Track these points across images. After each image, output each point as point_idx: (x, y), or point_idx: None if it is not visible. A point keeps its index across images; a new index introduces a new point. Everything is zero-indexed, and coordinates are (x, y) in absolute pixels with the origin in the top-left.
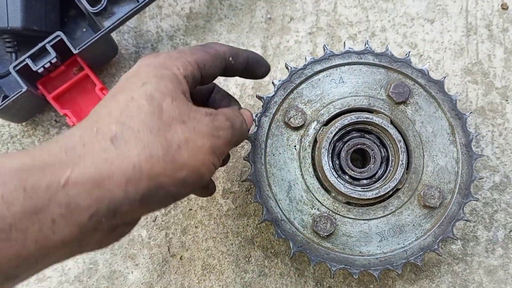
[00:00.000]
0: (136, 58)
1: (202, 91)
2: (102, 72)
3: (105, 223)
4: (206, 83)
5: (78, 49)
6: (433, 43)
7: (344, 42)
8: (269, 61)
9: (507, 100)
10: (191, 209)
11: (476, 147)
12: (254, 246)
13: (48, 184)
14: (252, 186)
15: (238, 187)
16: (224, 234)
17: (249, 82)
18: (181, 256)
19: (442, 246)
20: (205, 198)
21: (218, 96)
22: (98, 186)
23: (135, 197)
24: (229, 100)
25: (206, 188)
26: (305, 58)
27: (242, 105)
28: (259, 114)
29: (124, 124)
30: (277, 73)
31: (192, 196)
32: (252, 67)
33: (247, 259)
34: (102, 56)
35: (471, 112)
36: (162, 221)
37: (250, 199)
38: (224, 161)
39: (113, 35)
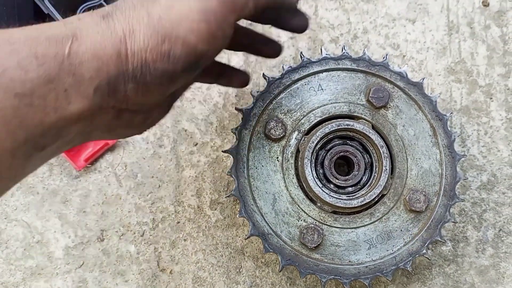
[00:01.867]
0: None
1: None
2: None
3: (110, 102)
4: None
5: None
6: (416, 43)
7: (321, 48)
8: (251, 68)
9: (491, 98)
10: (179, 222)
11: (462, 147)
12: (244, 256)
13: (55, 54)
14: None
15: (226, 197)
16: (213, 245)
17: (232, 90)
18: (171, 270)
19: (433, 249)
20: (192, 210)
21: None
22: (96, 58)
23: (126, 73)
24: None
25: (212, 72)
26: (282, 66)
27: (225, 115)
28: (239, 127)
29: (116, 5)
30: (260, 80)
31: (179, 208)
32: (286, 13)
33: (237, 270)
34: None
35: (451, 113)
36: (150, 235)
37: (238, 210)
38: (240, 80)
39: None
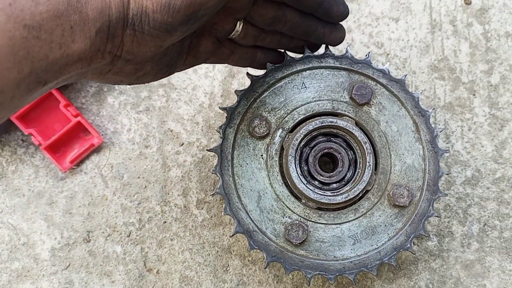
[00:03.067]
0: None
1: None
2: (67, 88)
3: (108, 47)
4: None
5: None
6: (399, 42)
7: (304, 47)
8: (236, 68)
9: (474, 95)
10: (165, 222)
11: (447, 143)
12: (231, 255)
13: None
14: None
15: (212, 196)
16: (200, 245)
17: (217, 90)
18: (158, 270)
19: (418, 244)
20: (179, 210)
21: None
22: None
23: (126, 19)
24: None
25: (219, 44)
26: (266, 65)
27: (211, 114)
28: (223, 126)
29: None
30: (246, 80)
31: (166, 208)
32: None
33: (225, 269)
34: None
35: (434, 109)
36: (137, 235)
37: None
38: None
39: None
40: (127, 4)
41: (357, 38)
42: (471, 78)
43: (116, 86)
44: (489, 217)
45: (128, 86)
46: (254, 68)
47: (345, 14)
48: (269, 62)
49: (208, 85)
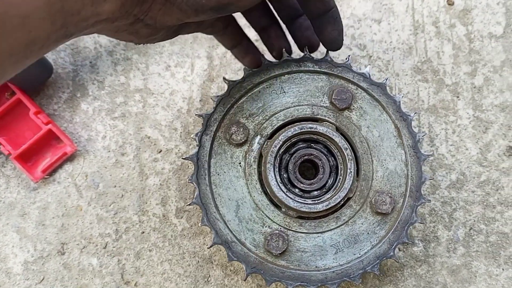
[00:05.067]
0: (74, 76)
1: (290, 6)
2: (39, 94)
3: (135, 10)
4: None
5: None
6: (382, 43)
7: (283, 51)
8: (215, 72)
9: (458, 97)
10: (143, 232)
11: (431, 146)
12: (212, 265)
13: None
14: None
15: (187, 206)
16: (180, 255)
17: (196, 95)
18: (136, 283)
19: (404, 250)
20: (157, 219)
21: (306, 24)
22: None
23: None
24: (313, 33)
25: (233, 34)
26: (243, 69)
27: (190, 120)
28: (199, 133)
29: None
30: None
31: (144, 218)
32: (328, 21)
33: (206, 280)
34: (35, 77)
35: (416, 113)
36: (113, 247)
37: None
38: (252, 59)
39: (48, 54)
40: None
41: None
42: (455, 80)
43: (90, 92)
44: (474, 221)
45: (103, 92)
46: (235, 54)
47: (336, 42)
48: (247, 62)
49: (186, 90)
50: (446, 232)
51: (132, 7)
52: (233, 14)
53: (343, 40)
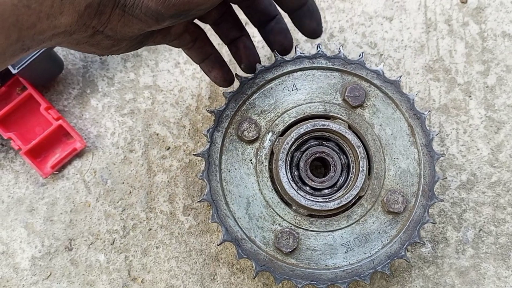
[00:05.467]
0: (84, 73)
1: (261, 11)
2: (49, 90)
3: (93, 22)
4: None
5: (17, 68)
6: (393, 42)
7: (296, 47)
8: None
9: (470, 96)
10: (150, 229)
11: (442, 146)
12: (219, 263)
13: None
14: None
15: (198, 202)
16: (187, 252)
17: (205, 92)
18: (143, 279)
19: (412, 250)
20: (164, 216)
21: (277, 28)
22: None
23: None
24: (285, 36)
25: (202, 50)
26: (256, 66)
27: (198, 117)
28: (211, 130)
29: None
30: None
31: (151, 215)
32: (304, 15)
33: (212, 277)
34: (46, 73)
35: (429, 111)
36: (121, 243)
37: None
38: (220, 75)
39: (58, 50)
40: None
41: (349, 38)
42: (467, 79)
43: (100, 88)
44: (484, 222)
45: (112, 88)
46: (203, 69)
47: (315, 31)
48: (213, 76)
49: (195, 87)
50: (455, 233)
51: (90, 19)
52: (202, 26)
53: (322, 28)
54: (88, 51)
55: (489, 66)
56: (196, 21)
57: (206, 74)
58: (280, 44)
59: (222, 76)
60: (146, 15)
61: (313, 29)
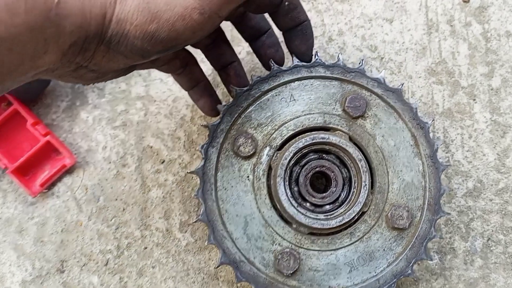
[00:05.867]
0: (73, 84)
1: (252, 27)
2: (36, 103)
3: (77, 58)
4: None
5: None
6: (394, 44)
7: (292, 56)
8: (219, 79)
9: (474, 100)
10: (146, 248)
11: (446, 152)
12: (218, 281)
13: (45, 0)
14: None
15: (193, 223)
16: (184, 271)
17: None
18: None
19: (419, 263)
20: (160, 234)
21: (268, 42)
22: (82, 13)
23: (103, 36)
24: (276, 50)
25: (181, 67)
26: (251, 77)
27: (193, 128)
28: (205, 145)
29: None
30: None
31: (146, 232)
32: (296, 35)
33: None
34: (33, 86)
35: (433, 120)
36: (115, 264)
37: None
38: (207, 104)
39: None
40: (108, 23)
41: (349, 41)
42: (471, 82)
43: (90, 100)
44: (493, 231)
45: (103, 100)
46: (191, 96)
47: (305, 54)
48: (201, 105)
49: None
50: (463, 243)
51: (74, 56)
52: (192, 52)
53: (312, 55)
54: (71, 82)
55: (494, 68)
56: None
57: (194, 102)
58: (271, 58)
59: (211, 105)
60: (132, 52)
61: (301, 52)
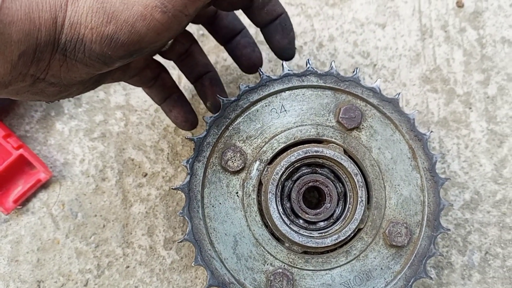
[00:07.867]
0: None
1: (225, 27)
2: (9, 114)
3: (31, 70)
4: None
5: None
6: (387, 50)
7: (282, 63)
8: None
9: (470, 108)
10: (128, 267)
11: (442, 163)
12: None
13: None
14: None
15: (182, 234)
16: None
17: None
18: None
19: None
20: (143, 252)
21: (244, 41)
22: (29, 19)
23: (56, 44)
24: (253, 50)
25: (151, 77)
26: (239, 86)
27: (177, 139)
28: (190, 160)
29: None
30: None
31: (128, 250)
32: (275, 30)
33: None
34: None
35: (431, 131)
36: (95, 284)
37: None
38: (182, 117)
39: None
40: (60, 28)
41: (340, 47)
42: (466, 90)
43: (66, 110)
44: (490, 244)
45: (80, 109)
46: (163, 109)
47: (287, 50)
48: (174, 116)
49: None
50: (460, 257)
51: (26, 68)
52: (163, 63)
53: (295, 49)
54: (32, 100)
55: (489, 75)
56: (159, 57)
57: (167, 115)
58: (248, 58)
59: (183, 116)
60: (91, 59)
61: (283, 47)
